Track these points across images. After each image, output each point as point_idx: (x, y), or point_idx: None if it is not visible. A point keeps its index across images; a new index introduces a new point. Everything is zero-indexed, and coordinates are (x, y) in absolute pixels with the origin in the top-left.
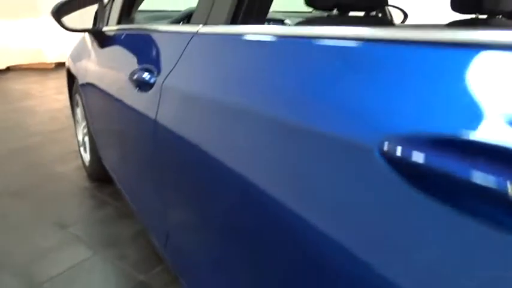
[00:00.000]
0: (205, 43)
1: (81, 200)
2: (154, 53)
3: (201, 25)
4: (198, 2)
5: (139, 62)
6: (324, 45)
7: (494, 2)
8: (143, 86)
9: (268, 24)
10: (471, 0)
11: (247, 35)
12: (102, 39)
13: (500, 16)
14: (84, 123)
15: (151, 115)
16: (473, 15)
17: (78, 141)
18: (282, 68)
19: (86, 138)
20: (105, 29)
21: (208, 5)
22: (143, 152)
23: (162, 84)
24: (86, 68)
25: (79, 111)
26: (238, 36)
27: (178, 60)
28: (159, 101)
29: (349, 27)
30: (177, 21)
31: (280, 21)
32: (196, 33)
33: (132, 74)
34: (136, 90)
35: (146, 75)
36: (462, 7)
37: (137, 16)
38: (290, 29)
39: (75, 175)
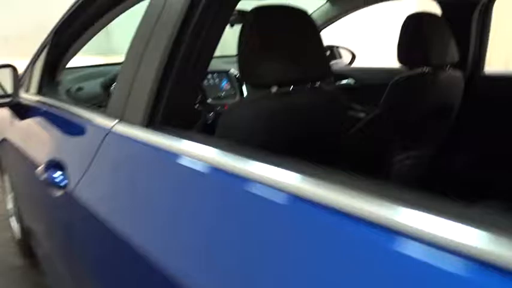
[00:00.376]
0: (118, 146)
1: (8, 285)
2: (69, 144)
3: (116, 120)
4: (114, 87)
5: (53, 151)
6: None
7: (439, 55)
8: (54, 186)
9: (212, 75)
10: (418, 54)
11: (164, 146)
12: (18, 109)
13: (448, 66)
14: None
15: (64, 217)
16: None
17: (8, 210)
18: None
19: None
20: (22, 96)
21: (124, 95)
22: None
23: (73, 191)
24: (6, 137)
25: (7, 178)
26: (152, 146)
27: (91, 162)
28: (70, 209)
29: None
30: (105, 86)
31: (225, 72)
32: (110, 131)
33: (44, 169)
34: (47, 188)
35: (57, 176)
36: (409, 61)
37: (64, 77)
38: (219, 156)
39: (2, 250)
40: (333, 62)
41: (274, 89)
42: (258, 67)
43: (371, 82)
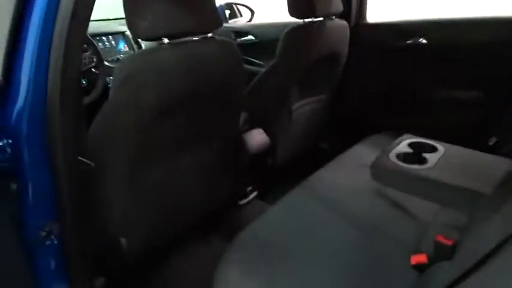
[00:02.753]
0: None
1: None
2: None
3: None
4: None
5: None
6: None
7: (325, 6)
8: None
9: (107, 38)
10: (305, 6)
11: None
12: None
13: (334, 17)
14: None
15: None
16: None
17: None
18: None
19: None
20: None
21: None
22: None
23: None
24: None
25: None
26: None
27: None
28: None
29: None
30: None
31: (121, 33)
32: None
33: None
34: None
35: None
36: (298, 13)
37: None
38: None
39: None
40: (233, 19)
41: (165, 41)
42: (144, 19)
43: (269, 37)
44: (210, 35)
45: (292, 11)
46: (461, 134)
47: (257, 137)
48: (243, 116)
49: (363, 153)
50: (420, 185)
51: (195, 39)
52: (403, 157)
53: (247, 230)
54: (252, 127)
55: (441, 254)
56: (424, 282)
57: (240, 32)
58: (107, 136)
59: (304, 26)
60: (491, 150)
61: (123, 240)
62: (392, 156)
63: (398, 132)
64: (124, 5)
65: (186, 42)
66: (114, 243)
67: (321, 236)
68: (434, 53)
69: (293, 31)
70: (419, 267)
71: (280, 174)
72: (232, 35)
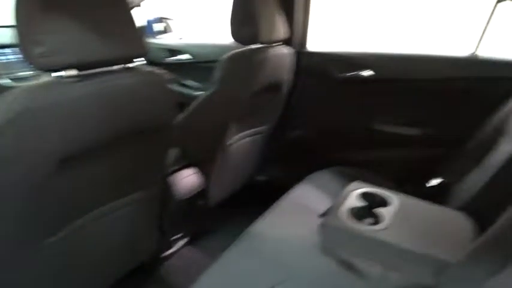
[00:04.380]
0: None
1: None
2: None
3: None
4: None
5: None
6: None
7: (269, 33)
8: None
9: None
10: (249, 31)
11: None
12: None
13: (277, 44)
14: None
15: None
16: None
17: None
18: None
19: None
20: None
21: None
22: None
23: None
24: None
25: None
26: None
27: None
28: None
29: None
30: None
31: None
32: None
33: None
34: None
35: None
36: (242, 38)
37: None
38: None
39: None
40: (164, 35)
41: (71, 73)
42: (41, 44)
43: (208, 57)
44: (131, 64)
45: (236, 36)
46: (405, 171)
47: (189, 179)
48: (174, 152)
49: (305, 197)
50: (377, 250)
51: (112, 70)
52: (356, 213)
53: None
54: (184, 166)
55: None
56: None
57: (174, 50)
58: None
59: (247, 52)
60: (434, 190)
61: None
62: (343, 212)
63: (342, 167)
64: (16, 26)
65: (100, 73)
66: None
67: None
68: (379, 87)
69: (234, 57)
70: None
71: (213, 215)
72: (165, 53)
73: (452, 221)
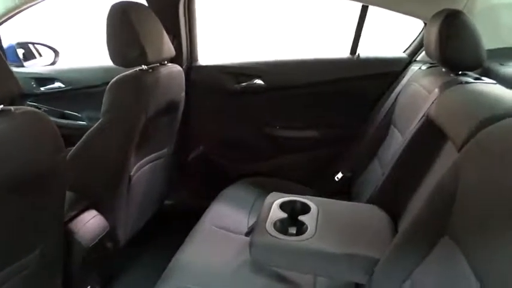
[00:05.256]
0: None
1: None
2: None
3: None
4: None
5: None
6: None
7: (156, 52)
8: None
9: None
10: (134, 53)
11: None
12: None
13: (166, 62)
14: None
15: None
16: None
17: None
18: None
19: None
20: None
21: None
22: None
23: None
24: None
25: None
26: None
27: None
28: None
29: None
30: None
31: None
32: None
33: None
34: None
35: None
36: (126, 61)
37: None
38: None
39: None
40: (30, 62)
41: None
42: None
43: (84, 83)
44: (2, 107)
45: (117, 59)
46: (312, 171)
47: (92, 223)
48: (68, 197)
49: (222, 217)
50: (306, 259)
51: None
52: (280, 225)
53: None
54: (82, 210)
55: None
56: None
57: (43, 79)
58: None
59: (135, 74)
60: (341, 184)
61: None
62: (269, 227)
63: (251, 178)
64: None
65: None
66: None
67: None
68: (272, 95)
69: (123, 81)
70: None
71: (124, 255)
72: (33, 83)
73: (369, 216)
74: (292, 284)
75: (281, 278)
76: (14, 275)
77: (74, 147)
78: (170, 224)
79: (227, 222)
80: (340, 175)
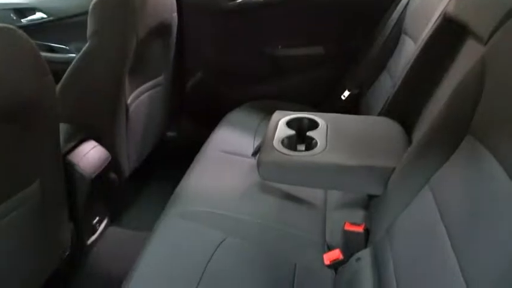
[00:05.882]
0: None
1: None
2: None
3: None
4: None
5: None
6: None
7: None
8: None
9: None
10: None
11: None
12: None
13: None
14: None
15: None
16: None
17: None
18: None
19: None
20: None
21: None
22: None
23: None
24: None
25: None
26: None
27: None
28: None
29: None
30: None
31: None
32: None
33: None
34: None
35: None
36: None
37: None
38: None
39: None
40: None
41: None
42: None
43: (68, 12)
44: None
45: None
46: (315, 92)
47: (91, 154)
48: (64, 129)
49: (228, 140)
50: (318, 174)
51: None
52: (288, 142)
53: (132, 281)
54: (81, 141)
55: (354, 243)
56: (345, 283)
57: (22, 10)
58: None
59: None
60: (349, 103)
61: None
62: (276, 144)
63: (254, 102)
64: None
65: None
66: None
67: (221, 266)
68: (271, 10)
69: (105, 2)
70: (335, 265)
71: (129, 188)
72: (13, 15)
73: (381, 128)
74: (303, 202)
75: (291, 197)
76: (16, 208)
77: (63, 77)
78: (175, 155)
79: (233, 146)
80: (346, 93)
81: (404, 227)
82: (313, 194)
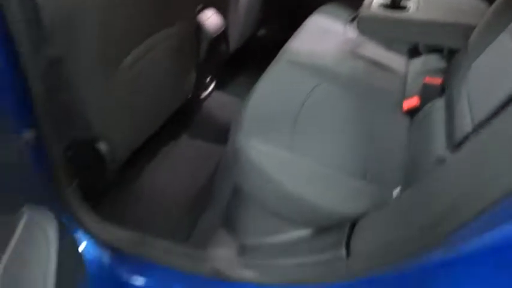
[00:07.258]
0: None
1: None
2: None
3: None
4: None
5: None
6: None
7: None
8: None
9: None
10: None
11: None
12: None
13: None
14: None
15: None
16: None
17: None
18: None
19: None
20: None
21: None
22: None
23: None
24: None
25: None
26: None
27: None
28: None
29: None
30: None
31: None
32: None
33: None
34: None
35: None
36: None
37: None
38: None
39: None
40: None
41: None
42: None
43: None
44: None
45: None
46: None
47: (212, 19)
48: None
49: (327, 20)
50: (412, 29)
51: None
52: (385, 5)
53: (248, 107)
54: (205, 6)
55: (430, 94)
56: (419, 123)
57: None
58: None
59: None
60: None
61: (103, 144)
62: (375, 7)
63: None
64: None
65: None
66: (94, 148)
67: (317, 102)
68: None
69: None
70: (412, 112)
71: (235, 60)
72: None
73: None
74: (393, 69)
75: (381, 63)
76: (161, 42)
77: None
78: (272, 43)
79: (331, 24)
80: None
81: (479, 72)
82: (396, 62)
